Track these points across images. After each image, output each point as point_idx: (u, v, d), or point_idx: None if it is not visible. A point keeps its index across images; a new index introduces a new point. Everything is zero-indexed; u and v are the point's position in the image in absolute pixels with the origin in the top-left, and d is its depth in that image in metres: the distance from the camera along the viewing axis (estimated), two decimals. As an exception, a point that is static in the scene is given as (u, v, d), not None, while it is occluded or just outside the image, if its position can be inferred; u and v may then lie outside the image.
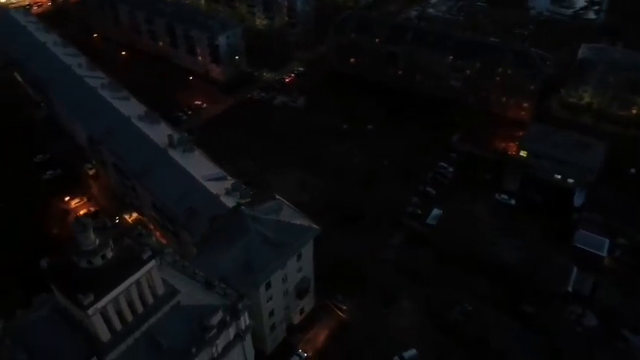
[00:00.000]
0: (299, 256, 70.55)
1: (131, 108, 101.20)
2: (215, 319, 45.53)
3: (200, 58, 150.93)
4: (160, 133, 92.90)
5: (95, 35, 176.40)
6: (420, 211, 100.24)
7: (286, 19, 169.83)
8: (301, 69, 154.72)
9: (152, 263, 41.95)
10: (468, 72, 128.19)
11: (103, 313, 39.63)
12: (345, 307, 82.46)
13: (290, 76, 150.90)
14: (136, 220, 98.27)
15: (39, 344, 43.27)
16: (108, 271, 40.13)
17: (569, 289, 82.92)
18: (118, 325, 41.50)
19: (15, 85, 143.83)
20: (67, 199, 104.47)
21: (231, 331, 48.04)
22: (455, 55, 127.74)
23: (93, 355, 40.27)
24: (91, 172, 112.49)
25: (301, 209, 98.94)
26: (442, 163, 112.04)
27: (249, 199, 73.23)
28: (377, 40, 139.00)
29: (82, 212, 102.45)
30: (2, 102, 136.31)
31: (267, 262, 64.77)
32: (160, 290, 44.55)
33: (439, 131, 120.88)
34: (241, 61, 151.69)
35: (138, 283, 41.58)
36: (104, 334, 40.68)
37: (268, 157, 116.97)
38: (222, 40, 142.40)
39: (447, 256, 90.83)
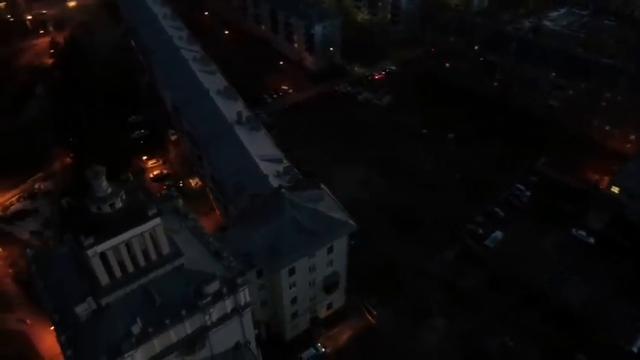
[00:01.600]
0: (330, 249, 69.08)
1: (213, 82, 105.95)
2: (211, 288, 46.08)
3: (296, 45, 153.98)
4: (233, 108, 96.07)
5: (206, 13, 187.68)
6: (481, 231, 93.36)
7: (389, 16, 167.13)
8: (394, 68, 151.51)
9: (156, 221, 43.47)
10: (571, 92, 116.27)
11: (103, 258, 41.94)
12: (375, 312, 79.43)
13: (381, 74, 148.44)
14: (198, 187, 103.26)
15: (54, 276, 47.09)
16: (113, 219, 42.34)
17: (635, 349, 72.22)
18: (118, 272, 43.66)
19: (131, 51, 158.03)
20: (144, 158, 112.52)
21: (228, 304, 48.28)
22: (558, 71, 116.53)
23: (90, 294, 42.89)
24: (172, 138, 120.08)
25: (357, 205, 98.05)
26: (519, 185, 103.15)
27: (292, 184, 72.85)
28: (476, 46, 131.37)
29: (155, 172, 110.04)
30: (119, 66, 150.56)
31: (293, 247, 64.27)
32: (165, 250, 46.07)
33: (524, 151, 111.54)
34: (335, 53, 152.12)
35: (141, 236, 43.36)
36: (103, 278, 43.04)
37: (339, 149, 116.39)
38: (318, 30, 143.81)
39: (499, 283, 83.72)
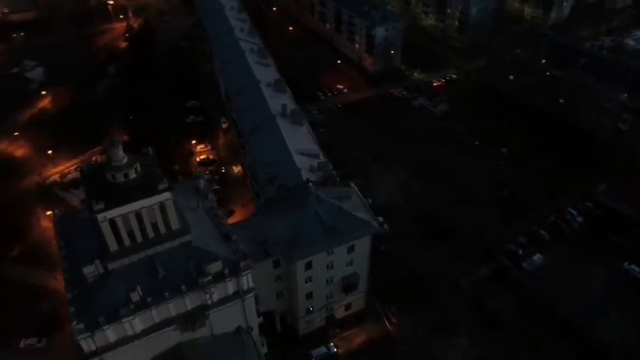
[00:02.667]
0: (351, 249, 67.96)
1: (266, 74, 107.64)
2: (213, 268, 46.69)
3: (357, 45, 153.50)
4: (280, 101, 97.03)
5: (274, 9, 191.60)
6: (521, 252, 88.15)
7: (456, 23, 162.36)
8: (454, 76, 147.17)
9: (165, 195, 44.65)
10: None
11: (113, 225, 43.68)
12: (395, 320, 77.34)
13: (440, 81, 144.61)
14: (239, 174, 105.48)
15: (72, 238, 49.72)
16: (124, 188, 43.94)
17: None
18: (126, 241, 45.32)
19: (198, 40, 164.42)
20: (194, 142, 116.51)
21: (230, 287, 48.70)
22: (631, 92, 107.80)
23: (99, 258, 44.87)
24: (224, 126, 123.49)
25: (393, 209, 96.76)
26: (571, 210, 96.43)
27: (322, 179, 72.45)
28: (543, 60, 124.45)
29: (202, 157, 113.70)
30: (185, 53, 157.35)
31: (312, 241, 63.80)
32: (175, 225, 47.22)
33: (582, 174, 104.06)
34: (395, 56, 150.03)
35: (150, 209, 44.71)
36: (112, 244, 44.83)
37: (384, 152, 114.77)
38: (379, 32, 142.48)
39: (532, 309, 78.66)
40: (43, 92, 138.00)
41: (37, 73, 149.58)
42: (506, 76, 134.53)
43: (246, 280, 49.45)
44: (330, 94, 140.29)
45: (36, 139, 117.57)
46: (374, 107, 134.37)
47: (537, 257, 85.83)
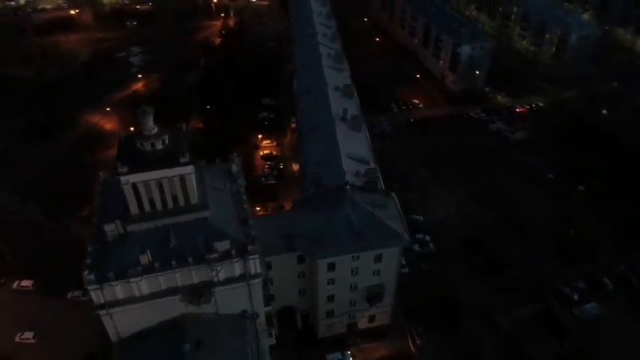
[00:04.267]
0: (378, 258, 66.25)
1: (337, 78, 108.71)
2: (221, 246, 47.80)
3: (441, 62, 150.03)
4: (344, 105, 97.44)
5: (365, 19, 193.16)
6: (576, 297, 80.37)
7: (553, 49, 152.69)
8: (540, 104, 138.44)
9: (186, 169, 46.56)
10: None
11: (135, 190, 46.55)
12: (419, 342, 74.01)
13: (523, 107, 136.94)
14: (296, 172, 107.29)
15: (109, 197, 53.53)
16: (149, 157, 46.48)
17: None
18: (147, 207, 47.91)
19: (286, 43, 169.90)
20: (260, 136, 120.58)
21: (237, 268, 49.51)
22: None
23: (120, 219, 48.06)
24: (292, 125, 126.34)
25: (443, 229, 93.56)
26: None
27: (362, 185, 71.57)
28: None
29: (265, 151, 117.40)
30: (272, 54, 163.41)
31: (337, 242, 63.23)
32: (193, 200, 49.10)
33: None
34: (480, 77, 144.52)
35: (171, 180, 46.96)
36: (133, 208, 47.66)
37: (447, 171, 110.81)
38: (465, 50, 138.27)
39: (577, 360, 71.45)
40: (139, 76, 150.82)
41: (138, 59, 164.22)
42: (599, 109, 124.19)
43: (254, 265, 50.06)
44: (404, 108, 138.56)
45: (124, 116, 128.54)
46: (447, 126, 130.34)
47: (592, 306, 77.73)
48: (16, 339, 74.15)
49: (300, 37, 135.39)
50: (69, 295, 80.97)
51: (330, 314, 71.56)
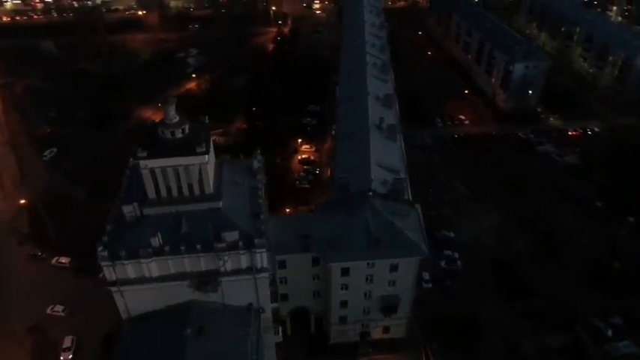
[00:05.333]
0: (394, 268, 65.18)
1: (379, 88, 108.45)
2: (229, 236, 48.92)
3: (493, 79, 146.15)
4: (382, 114, 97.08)
5: (420, 33, 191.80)
6: (610, 333, 75.22)
7: (616, 73, 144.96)
8: (596, 129, 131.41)
9: (202, 159, 48.29)
10: None
11: (152, 174, 48.77)
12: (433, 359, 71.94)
13: (576, 131, 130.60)
14: (328, 177, 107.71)
15: (134, 182, 56.12)
16: (169, 144, 48.59)
17: None
18: (163, 192, 50.03)
19: (338, 51, 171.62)
20: (300, 140, 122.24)
21: (244, 260, 50.42)
22: None
23: (138, 202, 50.46)
24: (333, 132, 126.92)
25: (473, 248, 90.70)
26: (696, 304, 79.53)
27: (385, 193, 70.84)
28: None
29: (303, 156, 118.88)
30: (323, 62, 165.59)
31: (352, 247, 62.87)
32: (208, 190, 50.74)
33: None
34: (533, 96, 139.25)
35: (187, 168, 48.83)
36: (150, 192, 49.95)
37: (487, 190, 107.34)
38: (518, 68, 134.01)
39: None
40: (193, 76, 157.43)
41: (194, 60, 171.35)
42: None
43: (260, 259, 50.83)
44: (449, 123, 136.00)
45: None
46: (492, 144, 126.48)
47: (625, 344, 72.50)
48: (48, 311, 78.82)
49: (349, 45, 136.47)
50: (100, 275, 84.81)
51: (342, 320, 71.02)
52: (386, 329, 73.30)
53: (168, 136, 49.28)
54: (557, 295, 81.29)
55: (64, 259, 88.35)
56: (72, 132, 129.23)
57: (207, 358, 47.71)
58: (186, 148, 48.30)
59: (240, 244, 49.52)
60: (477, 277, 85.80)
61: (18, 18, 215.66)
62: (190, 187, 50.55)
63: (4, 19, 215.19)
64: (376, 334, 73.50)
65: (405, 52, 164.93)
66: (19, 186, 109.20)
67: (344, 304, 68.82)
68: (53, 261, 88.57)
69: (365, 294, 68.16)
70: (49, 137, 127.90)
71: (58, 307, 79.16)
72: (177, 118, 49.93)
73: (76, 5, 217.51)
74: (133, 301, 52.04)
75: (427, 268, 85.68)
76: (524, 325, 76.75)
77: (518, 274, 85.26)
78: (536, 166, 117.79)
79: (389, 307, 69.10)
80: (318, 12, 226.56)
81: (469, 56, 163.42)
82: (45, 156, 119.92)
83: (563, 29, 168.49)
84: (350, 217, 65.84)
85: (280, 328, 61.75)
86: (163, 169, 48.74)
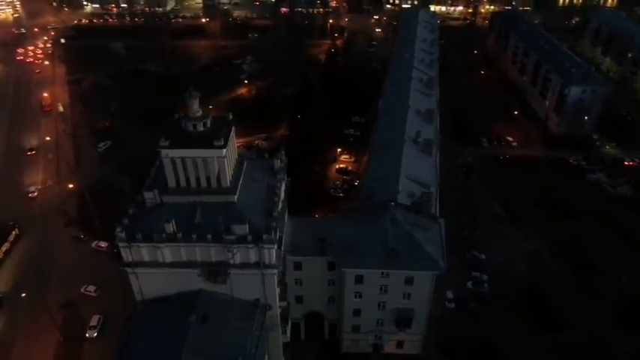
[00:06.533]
0: (409, 281, 64.11)
1: (421, 102, 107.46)
2: (238, 229, 50.24)
3: (547, 102, 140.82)
4: (420, 128, 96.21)
5: (475, 52, 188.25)
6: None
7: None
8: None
9: (219, 152, 50.08)
10: None
11: (172, 163, 51.20)
12: (446, 382, 69.65)
13: (634, 161, 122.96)
14: (359, 186, 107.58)
15: (160, 170, 58.58)
16: (190, 136, 50.98)
17: None
18: (183, 182, 52.37)
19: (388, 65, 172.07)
20: (339, 150, 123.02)
21: (252, 254, 51.52)
22: None
23: (158, 189, 53.04)
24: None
25: (505, 274, 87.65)
26: None
27: (409, 204, 70.03)
28: None
29: (341, 165, 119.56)
30: (374, 74, 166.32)
31: (367, 255, 62.55)
32: (225, 183, 52.49)
33: None
34: (588, 122, 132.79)
35: (205, 160, 50.86)
36: (170, 181, 52.45)
37: (527, 215, 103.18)
38: (573, 92, 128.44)
39: None
40: (246, 82, 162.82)
41: (249, 67, 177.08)
42: None
43: (268, 255, 51.79)
44: (496, 143, 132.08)
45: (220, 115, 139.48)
46: (540, 169, 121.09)
47: (659, 390, 66.86)
48: (81, 290, 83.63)
49: (398, 59, 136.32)
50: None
51: (355, 329, 70.44)
52: (400, 344, 71.92)
53: (191, 128, 51.66)
54: (588, 332, 76.57)
55: (102, 244, 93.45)
56: (127, 127, 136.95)
57: (207, 346, 48.97)
58: (205, 140, 50.47)
59: (249, 238, 50.77)
60: (503, 302, 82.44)
61: (95, 21, 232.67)
62: (208, 179, 52.60)
63: (83, 21, 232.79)
64: (389, 347, 72.26)
65: (457, 70, 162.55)
66: (73, 173, 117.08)
67: (357, 312, 68.33)
68: (93, 244, 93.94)
69: (379, 304, 67.41)
70: (106, 130, 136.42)
71: (91, 288, 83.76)
72: (200, 112, 52.27)
73: (147, 11, 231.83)
74: (146, 284, 54.51)
75: (452, 286, 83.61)
76: (546, 358, 72.69)
77: (548, 304, 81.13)
78: (584, 195, 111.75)
79: (403, 320, 67.87)
80: (375, 27, 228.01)
81: (524, 77, 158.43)
82: (100, 147, 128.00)
83: (630, 55, 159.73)
84: (369, 225, 65.61)
85: (289, 329, 62.17)
86: (183, 160, 51.08)
